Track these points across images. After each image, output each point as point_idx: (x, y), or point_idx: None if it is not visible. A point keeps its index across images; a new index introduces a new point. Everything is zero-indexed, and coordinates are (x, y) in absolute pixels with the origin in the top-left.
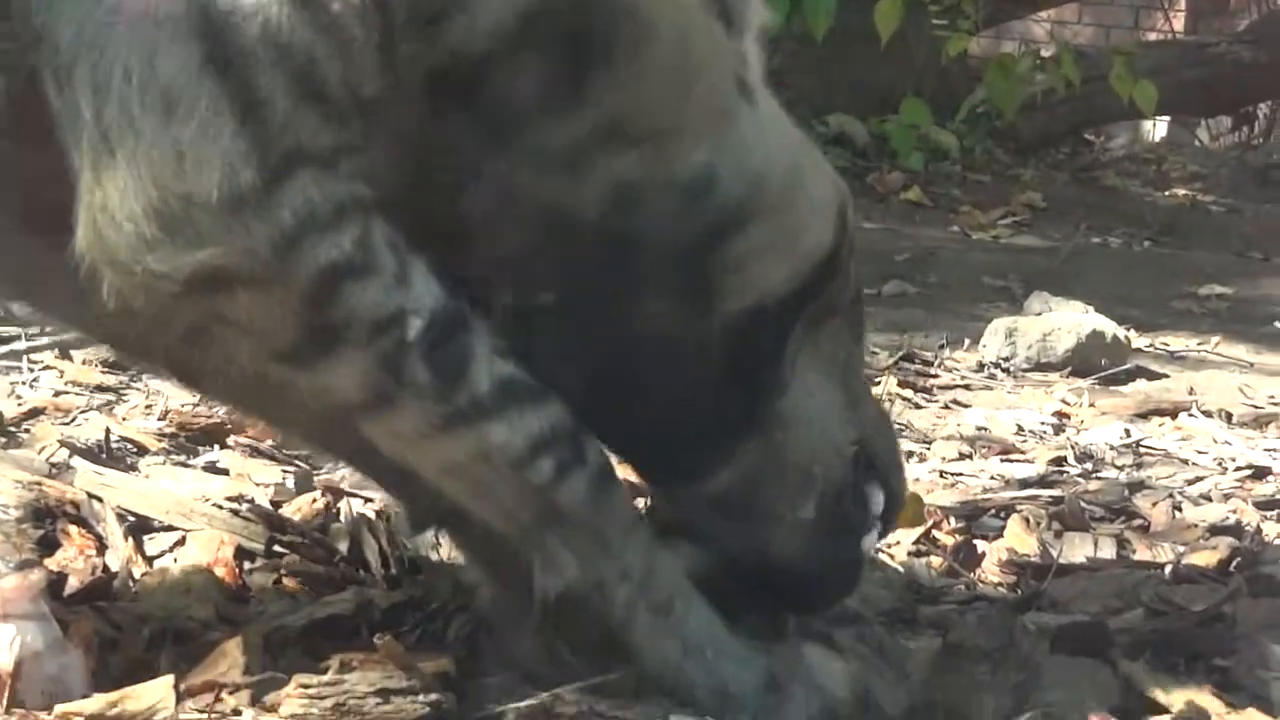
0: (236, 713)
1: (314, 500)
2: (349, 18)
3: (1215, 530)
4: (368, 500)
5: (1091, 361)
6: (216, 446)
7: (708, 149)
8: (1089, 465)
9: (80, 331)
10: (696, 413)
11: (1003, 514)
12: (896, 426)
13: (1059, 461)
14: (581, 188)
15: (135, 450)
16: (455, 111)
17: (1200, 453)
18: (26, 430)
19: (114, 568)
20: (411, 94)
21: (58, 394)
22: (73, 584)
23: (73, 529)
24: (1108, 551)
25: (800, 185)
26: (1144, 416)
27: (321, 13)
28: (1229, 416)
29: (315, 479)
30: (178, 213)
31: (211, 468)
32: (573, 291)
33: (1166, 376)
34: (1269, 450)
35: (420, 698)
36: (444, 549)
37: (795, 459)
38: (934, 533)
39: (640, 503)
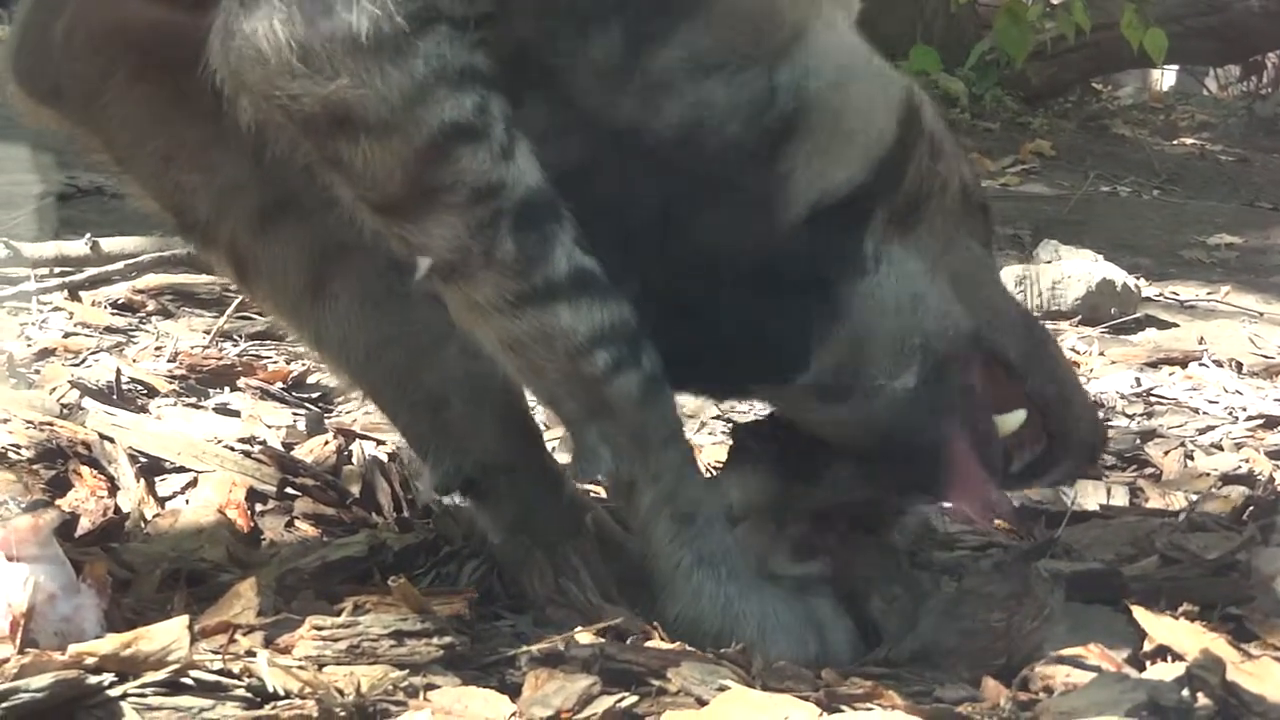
0: (250, 654)
1: (326, 442)
2: None
3: (1227, 479)
4: (380, 443)
5: (1101, 310)
6: (227, 389)
7: (776, 71)
8: (1102, 414)
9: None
10: (783, 305)
11: None
12: None
13: None
14: (663, 106)
15: (145, 392)
16: (571, 20)
17: (1211, 402)
18: (37, 371)
19: (126, 509)
20: None
21: (67, 335)
22: (85, 525)
23: (84, 470)
24: (1121, 499)
25: (851, 93)
26: (1154, 365)
27: None
28: (1239, 366)
29: (327, 421)
30: (321, 49)
31: (223, 409)
32: (651, 205)
33: (1176, 326)
34: (1279, 400)
35: (434, 640)
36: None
37: (887, 333)
38: None
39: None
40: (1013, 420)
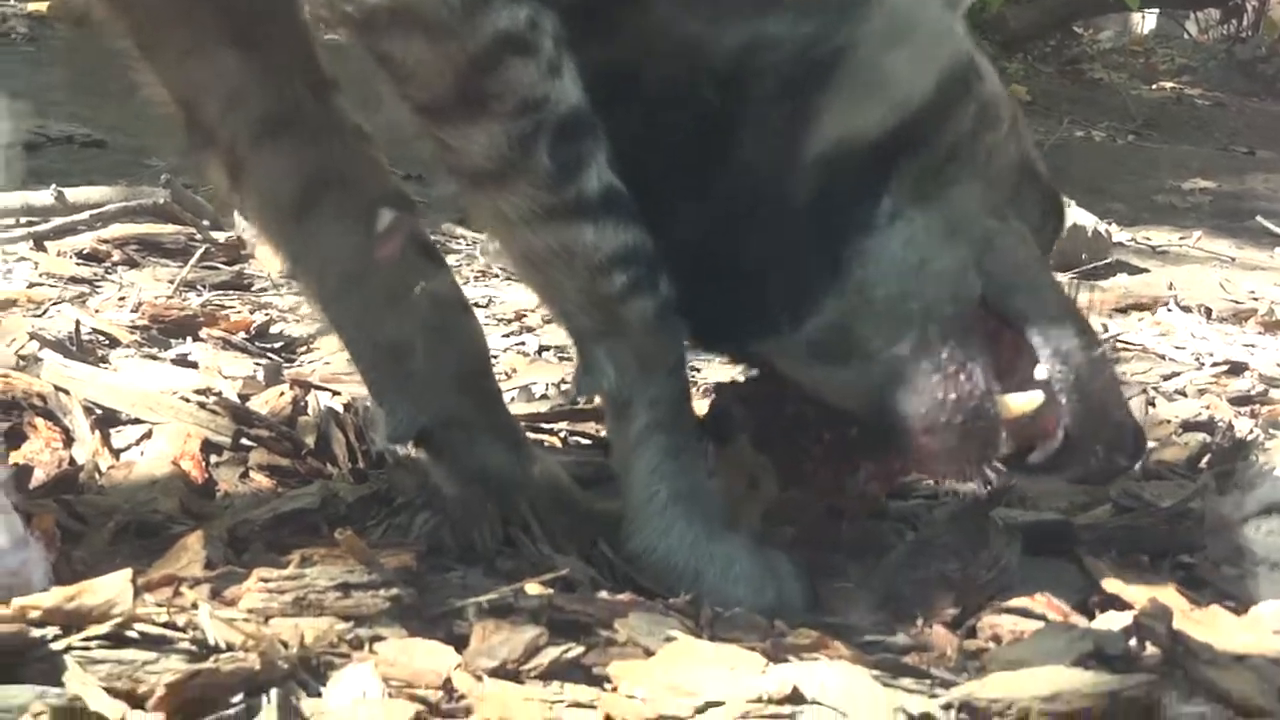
0: (194, 606)
1: (282, 393)
2: None
3: (1187, 426)
4: (336, 394)
5: (1072, 256)
6: (189, 339)
7: (834, 18)
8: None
9: None
10: (792, 249)
11: None
12: None
13: None
14: (722, 36)
15: (107, 343)
16: None
17: (1178, 348)
18: None
19: (80, 461)
20: None
21: (31, 285)
22: (39, 476)
23: (39, 421)
24: None
25: (896, 50)
26: (1123, 311)
27: None
28: (1208, 311)
29: (285, 372)
30: None
31: (182, 360)
32: (687, 126)
33: (1147, 271)
34: (1247, 345)
35: (381, 592)
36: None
37: (886, 295)
38: None
39: None
40: (1024, 402)
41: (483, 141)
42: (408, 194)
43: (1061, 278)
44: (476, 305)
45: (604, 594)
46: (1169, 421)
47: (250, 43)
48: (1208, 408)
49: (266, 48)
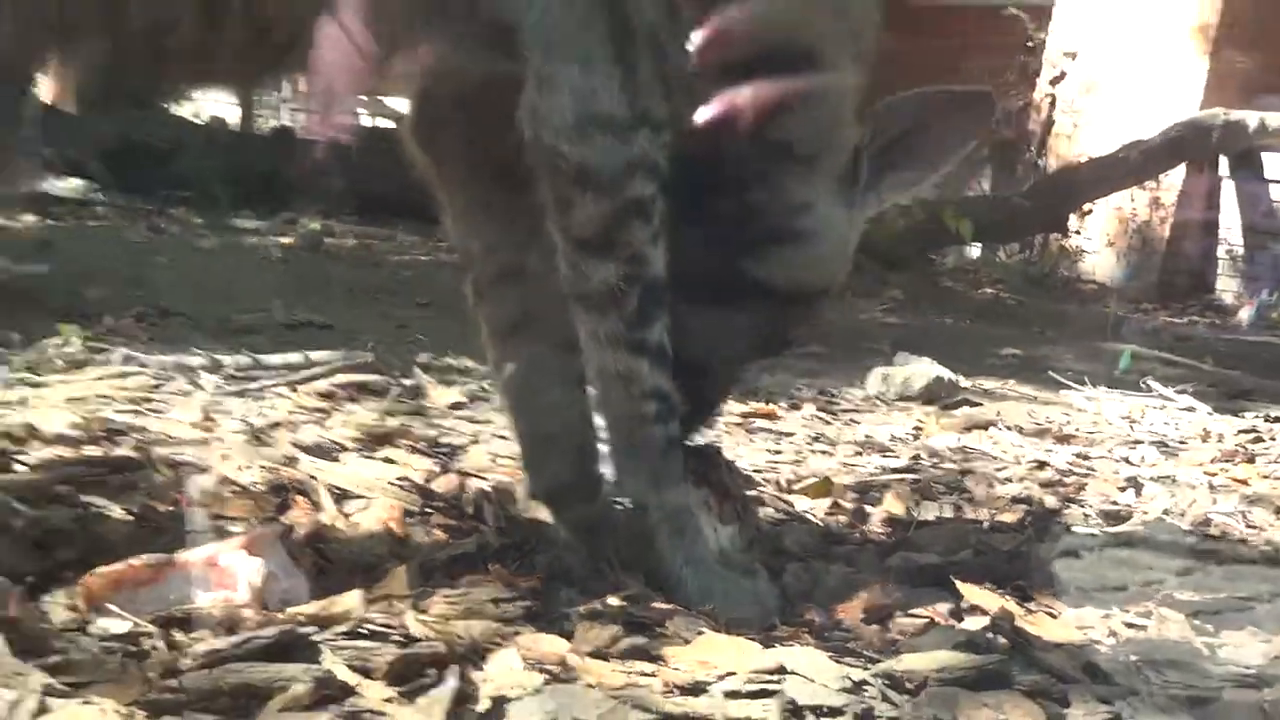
0: (401, 612)
1: (451, 480)
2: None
3: (1015, 500)
4: (485, 479)
5: (936, 395)
6: (389, 446)
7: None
8: (935, 459)
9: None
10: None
11: (882, 490)
12: (815, 436)
13: (916, 457)
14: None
15: (339, 448)
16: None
17: (1004, 452)
18: (270, 436)
19: (325, 522)
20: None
21: (290, 412)
22: (299, 533)
23: (299, 498)
24: (949, 513)
25: (826, 253)
26: (969, 430)
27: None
28: (1021, 430)
29: (452, 467)
30: (586, 124)
31: (386, 460)
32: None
33: (982, 405)
34: (1048, 450)
35: (518, 603)
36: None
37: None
38: (840, 501)
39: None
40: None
41: (604, 272)
42: None
43: (930, 409)
44: None
45: (658, 604)
46: (1003, 497)
47: (506, 217)
48: (1026, 489)
49: (518, 220)
